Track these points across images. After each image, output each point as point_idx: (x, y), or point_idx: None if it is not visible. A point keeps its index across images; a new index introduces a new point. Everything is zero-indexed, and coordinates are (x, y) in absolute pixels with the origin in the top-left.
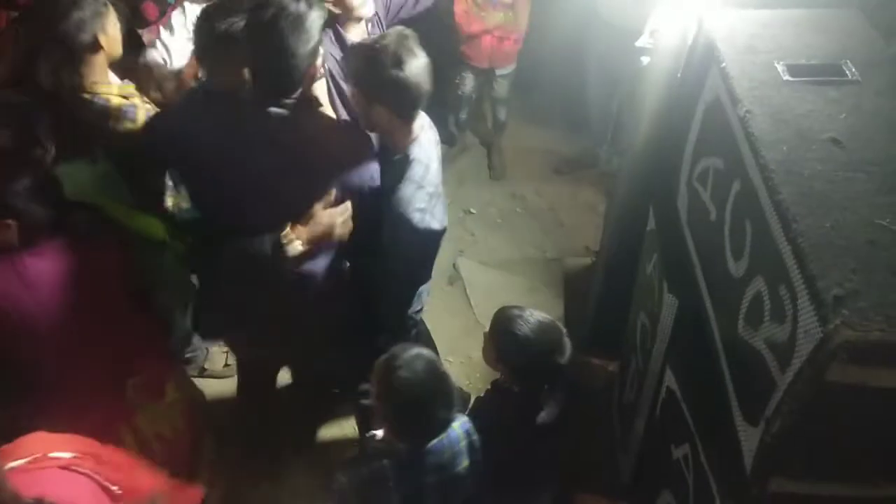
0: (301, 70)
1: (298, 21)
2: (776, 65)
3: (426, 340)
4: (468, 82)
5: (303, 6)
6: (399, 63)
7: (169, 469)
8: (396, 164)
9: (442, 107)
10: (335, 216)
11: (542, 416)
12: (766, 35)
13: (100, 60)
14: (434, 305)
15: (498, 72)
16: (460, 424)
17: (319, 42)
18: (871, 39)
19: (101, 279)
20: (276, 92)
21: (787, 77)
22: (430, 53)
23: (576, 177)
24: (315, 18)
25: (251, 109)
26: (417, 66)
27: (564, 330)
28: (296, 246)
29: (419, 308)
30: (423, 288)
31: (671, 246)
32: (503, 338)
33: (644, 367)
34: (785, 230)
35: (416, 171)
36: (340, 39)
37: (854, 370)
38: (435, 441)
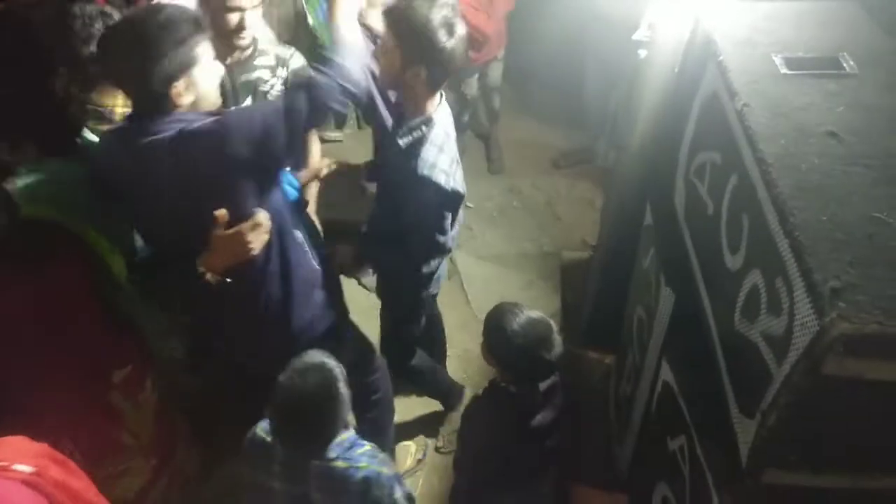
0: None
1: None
2: (774, 58)
3: (439, 325)
4: (473, 85)
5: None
6: (451, 32)
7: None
8: (417, 126)
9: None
10: (240, 235)
11: (538, 419)
12: (763, 28)
13: None
14: None
15: (499, 55)
16: (368, 469)
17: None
18: (869, 32)
19: (63, 299)
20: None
21: (784, 70)
22: None
23: (573, 171)
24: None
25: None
26: (462, 36)
27: (555, 327)
28: (209, 277)
29: (435, 292)
30: (440, 272)
31: (668, 240)
32: (493, 331)
33: (640, 361)
34: (782, 224)
35: (438, 135)
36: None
37: (850, 363)
38: (331, 462)
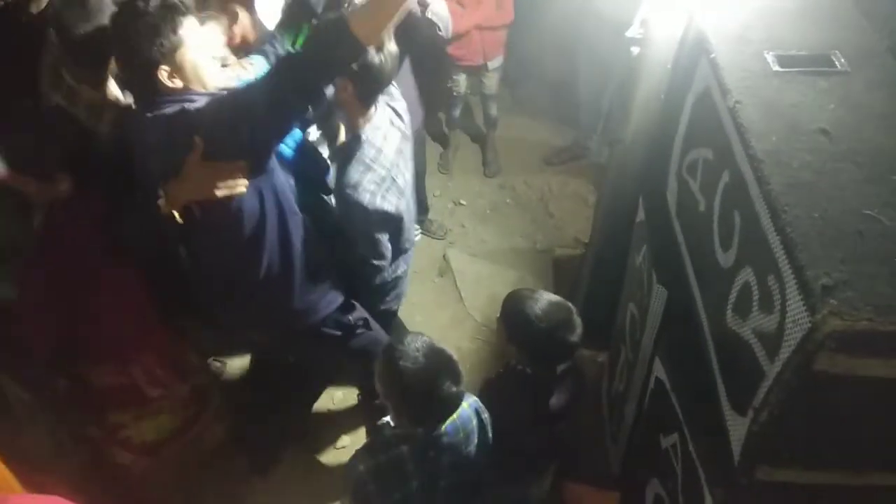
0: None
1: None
2: (766, 55)
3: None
4: (462, 83)
5: None
6: (379, 47)
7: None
8: (348, 144)
9: (433, 110)
10: (213, 169)
11: (554, 402)
12: (756, 25)
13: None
14: (424, 297)
15: (490, 65)
16: (470, 404)
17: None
18: (861, 30)
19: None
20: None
21: (776, 68)
22: (418, 56)
23: (566, 168)
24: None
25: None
26: (391, 53)
27: (574, 309)
28: (164, 206)
29: (396, 307)
30: (402, 287)
31: (660, 237)
32: (514, 318)
33: (633, 358)
34: (774, 220)
35: (366, 153)
36: None
37: (842, 360)
38: (448, 422)
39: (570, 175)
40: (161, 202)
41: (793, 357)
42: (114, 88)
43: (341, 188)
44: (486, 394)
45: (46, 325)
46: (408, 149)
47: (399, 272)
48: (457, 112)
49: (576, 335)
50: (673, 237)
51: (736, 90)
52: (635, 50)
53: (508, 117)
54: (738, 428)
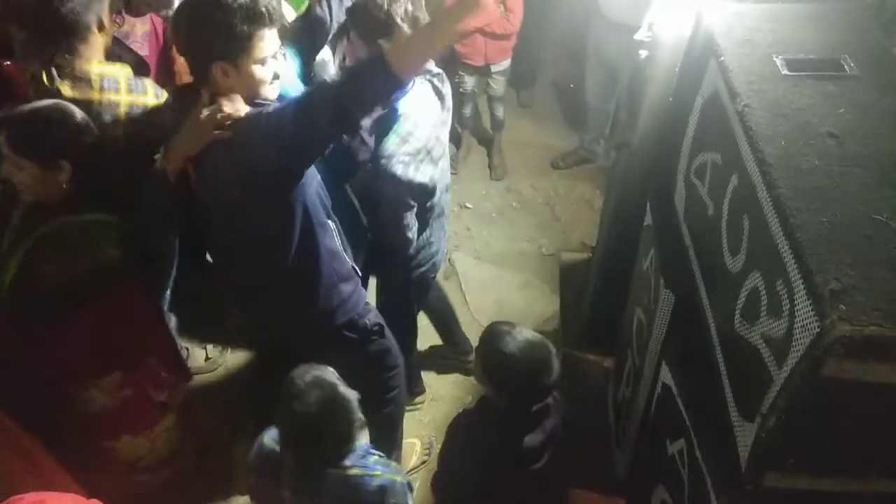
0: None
1: None
2: (775, 59)
3: (444, 303)
4: (468, 81)
5: None
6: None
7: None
8: (384, 116)
9: None
10: (214, 110)
11: (527, 442)
12: (765, 29)
13: (99, 42)
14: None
15: (493, 68)
16: (382, 478)
17: None
18: (870, 34)
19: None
20: None
21: (785, 71)
22: None
23: (572, 172)
24: None
25: None
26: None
27: (554, 350)
28: (161, 163)
29: (433, 275)
30: (438, 253)
31: (668, 241)
32: (489, 353)
33: (640, 363)
34: (782, 225)
35: (402, 126)
36: None
37: (850, 365)
38: (347, 470)
39: (576, 179)
40: (158, 157)
41: (801, 362)
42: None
43: (376, 159)
44: (455, 429)
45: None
46: (449, 117)
47: (433, 238)
48: (467, 111)
49: (552, 377)
50: (681, 241)
51: (745, 93)
52: (643, 53)
53: (515, 120)
54: (745, 434)
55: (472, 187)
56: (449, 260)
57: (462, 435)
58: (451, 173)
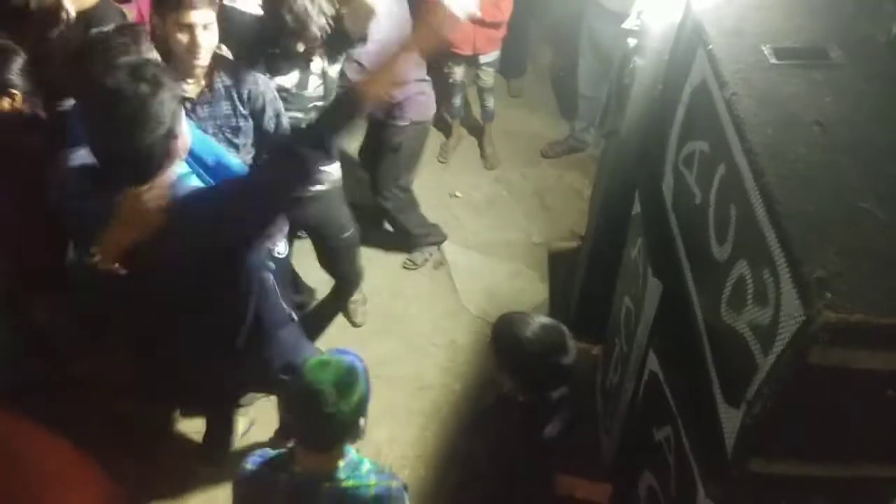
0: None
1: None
2: (763, 48)
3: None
4: (457, 71)
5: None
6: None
7: None
8: None
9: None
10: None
11: (548, 430)
12: (753, 17)
13: None
14: (419, 289)
15: (482, 59)
16: (378, 485)
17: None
18: (858, 23)
19: None
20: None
21: (773, 60)
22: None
23: (562, 161)
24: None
25: None
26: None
27: (568, 332)
28: (100, 262)
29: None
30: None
31: (656, 230)
32: (505, 342)
33: (627, 351)
34: (769, 213)
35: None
36: None
37: (835, 352)
38: (342, 482)
39: (566, 168)
40: (97, 260)
41: (787, 350)
42: None
43: None
44: (479, 427)
45: None
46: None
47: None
48: (457, 101)
49: (570, 358)
50: (668, 230)
51: (732, 82)
52: (632, 41)
53: (504, 109)
54: (731, 420)
55: (461, 177)
56: (439, 249)
57: (492, 431)
58: (441, 161)
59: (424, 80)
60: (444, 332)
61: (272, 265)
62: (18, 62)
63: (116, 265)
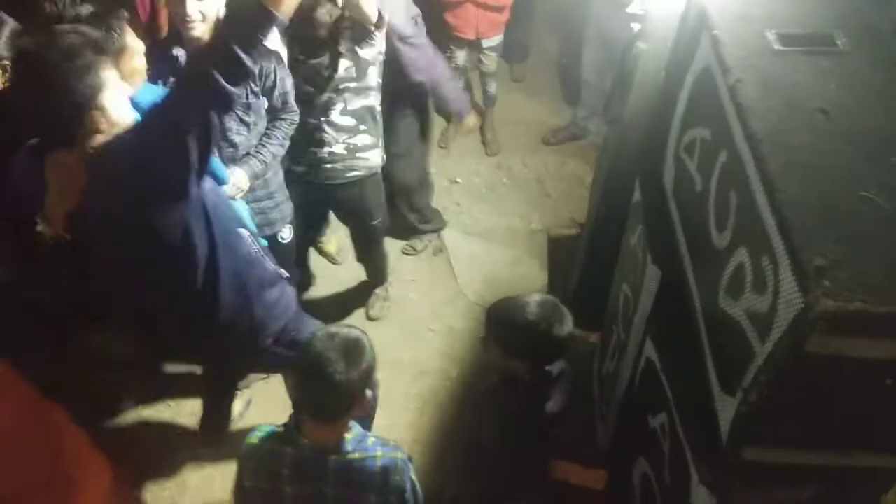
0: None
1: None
2: (767, 34)
3: None
4: (459, 56)
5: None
6: None
7: None
8: None
9: None
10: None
11: (550, 406)
12: (758, 3)
13: None
14: (418, 275)
15: (485, 44)
16: (384, 457)
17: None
18: (863, 10)
19: None
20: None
21: (778, 46)
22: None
23: (564, 148)
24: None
25: None
26: None
27: (559, 302)
28: (43, 229)
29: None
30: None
31: (656, 217)
32: (500, 319)
33: (625, 338)
34: (770, 201)
35: None
36: None
37: (833, 340)
38: (349, 455)
39: (567, 155)
40: (41, 228)
41: (784, 338)
42: None
43: None
44: (483, 407)
45: None
46: None
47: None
48: (461, 85)
49: (566, 327)
50: (668, 217)
51: (736, 68)
52: (636, 26)
53: (507, 94)
54: (726, 408)
55: (462, 163)
56: (438, 235)
57: (497, 411)
58: (441, 147)
59: None
60: (442, 318)
61: (250, 225)
62: (5, 32)
63: (60, 231)
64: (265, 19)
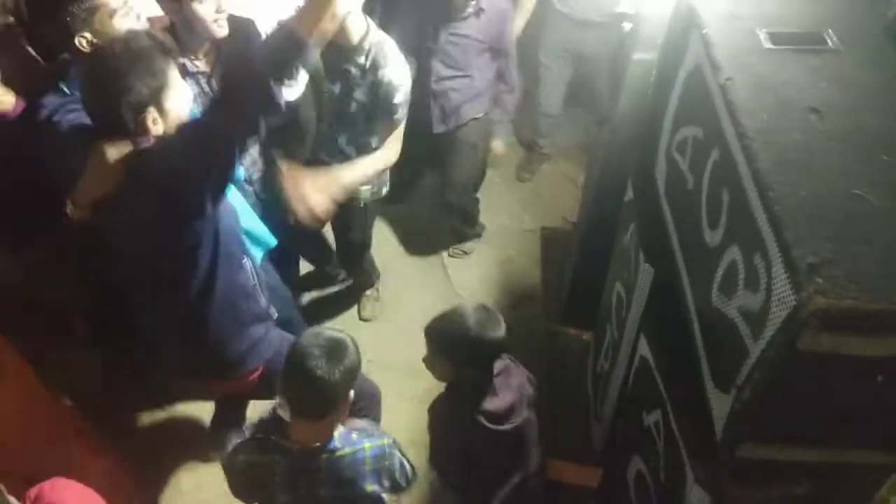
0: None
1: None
2: (758, 32)
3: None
4: None
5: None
6: None
7: None
8: None
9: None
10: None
11: (497, 403)
12: (748, 2)
13: None
14: (411, 274)
15: None
16: (372, 447)
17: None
18: (854, 8)
19: None
20: None
21: (768, 45)
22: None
23: (555, 148)
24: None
25: None
26: None
27: (492, 309)
28: (71, 210)
29: None
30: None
31: (648, 216)
32: (439, 331)
33: (619, 336)
34: (762, 199)
35: None
36: None
37: (826, 338)
38: (338, 452)
39: (559, 155)
40: (69, 210)
41: (777, 335)
42: None
43: None
44: (435, 414)
45: None
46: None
47: None
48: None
49: (500, 331)
50: (661, 216)
51: (727, 67)
52: (627, 26)
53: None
54: (720, 406)
55: None
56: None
57: (442, 418)
58: None
59: None
60: None
61: (258, 259)
62: None
63: (87, 215)
64: (297, 51)
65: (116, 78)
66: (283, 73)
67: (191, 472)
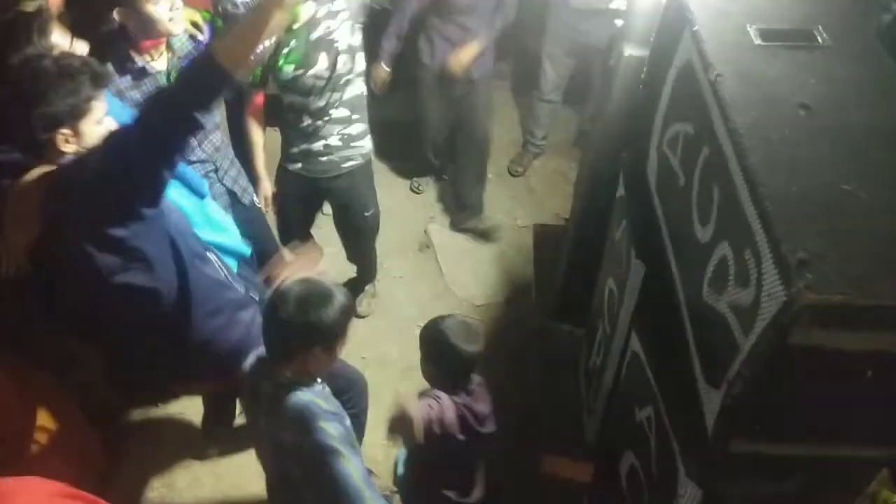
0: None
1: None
2: (748, 28)
3: None
4: None
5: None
6: None
7: None
8: None
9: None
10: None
11: (480, 407)
12: None
13: None
14: (405, 271)
15: None
16: (303, 399)
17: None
18: (843, 4)
19: None
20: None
21: (758, 41)
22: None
23: (548, 145)
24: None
25: None
26: None
27: (478, 327)
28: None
29: None
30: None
31: (640, 212)
32: (434, 349)
33: (610, 332)
34: (752, 195)
35: None
36: None
37: (816, 333)
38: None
39: (551, 151)
40: (5, 265)
41: (767, 330)
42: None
43: None
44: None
45: None
46: None
47: None
48: None
49: (477, 346)
50: (652, 212)
51: (718, 63)
52: (619, 22)
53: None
54: (711, 401)
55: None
56: (425, 231)
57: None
58: None
59: None
60: (429, 315)
61: (234, 268)
62: None
63: (26, 262)
64: (224, 84)
65: (36, 87)
66: (206, 107)
67: (186, 470)
